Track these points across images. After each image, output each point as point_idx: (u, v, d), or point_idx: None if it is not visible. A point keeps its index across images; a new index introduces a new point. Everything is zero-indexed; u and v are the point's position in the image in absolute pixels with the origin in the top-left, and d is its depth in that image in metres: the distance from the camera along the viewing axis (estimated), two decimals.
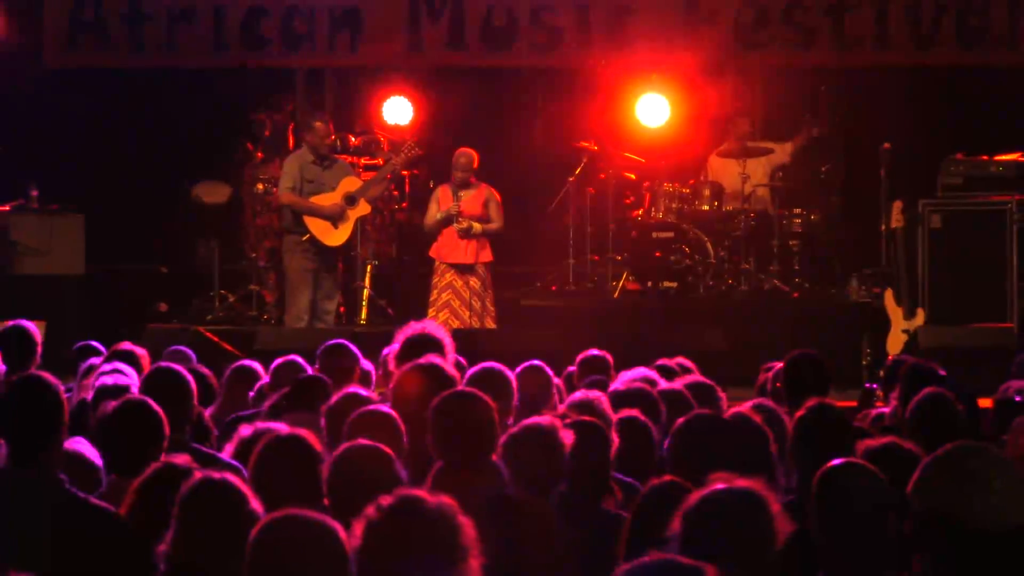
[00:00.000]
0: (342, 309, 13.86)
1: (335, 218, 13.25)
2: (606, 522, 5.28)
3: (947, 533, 3.40)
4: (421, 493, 3.74)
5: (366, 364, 8.07)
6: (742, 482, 3.91)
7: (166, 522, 4.36)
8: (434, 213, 13.22)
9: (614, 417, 6.17)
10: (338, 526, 3.71)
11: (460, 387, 5.87)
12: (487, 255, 13.14)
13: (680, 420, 5.68)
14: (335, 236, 13.28)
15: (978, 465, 3.48)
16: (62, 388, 5.10)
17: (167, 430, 5.52)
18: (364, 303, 14.18)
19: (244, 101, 15.42)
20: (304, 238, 13.24)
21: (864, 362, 12.99)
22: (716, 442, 5.46)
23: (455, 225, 13.04)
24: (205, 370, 7.81)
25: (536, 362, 7.76)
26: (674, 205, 14.46)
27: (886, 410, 7.60)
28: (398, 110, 15.34)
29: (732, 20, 15.25)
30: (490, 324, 13.09)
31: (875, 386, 9.05)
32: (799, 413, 5.76)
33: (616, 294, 14.34)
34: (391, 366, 6.86)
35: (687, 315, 13.63)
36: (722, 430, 5.59)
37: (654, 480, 4.90)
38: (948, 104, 15.00)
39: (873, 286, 13.76)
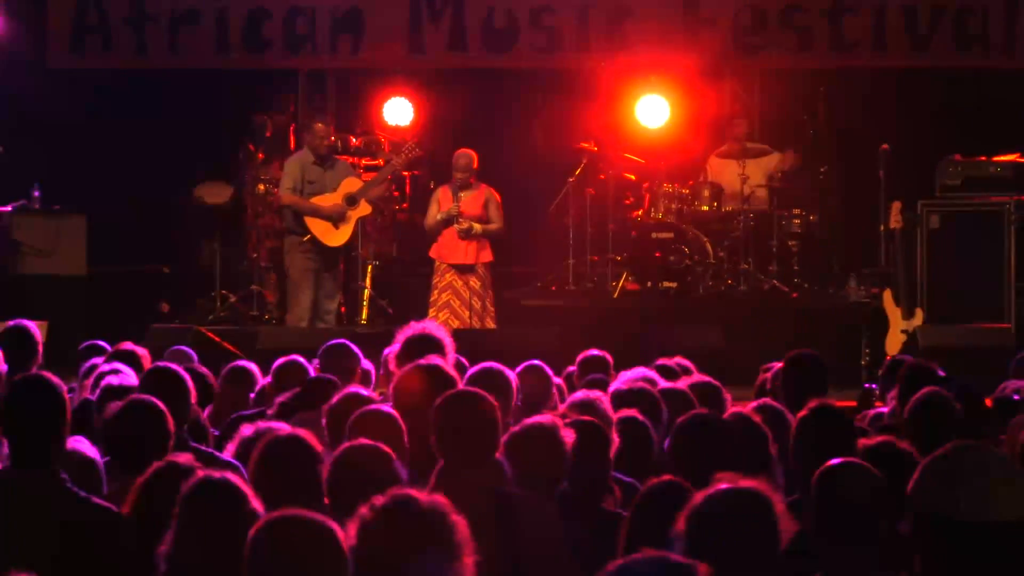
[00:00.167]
0: (343, 309, 13.89)
1: (336, 218, 13.30)
2: (606, 521, 5.29)
3: (945, 532, 3.40)
4: (414, 492, 3.75)
5: (367, 364, 8.09)
6: (747, 482, 3.91)
7: (169, 521, 4.37)
8: (434, 214, 13.26)
9: (615, 417, 6.20)
10: (336, 526, 3.70)
11: (461, 387, 5.88)
12: (487, 255, 13.18)
13: (680, 420, 5.71)
14: (336, 236, 13.33)
15: (975, 463, 3.47)
16: (64, 388, 5.10)
17: (172, 429, 5.53)
18: (365, 303, 14.21)
19: (246, 102, 15.47)
20: (305, 238, 13.29)
21: (863, 362, 13.02)
22: (715, 442, 5.48)
23: (455, 226, 13.08)
24: (204, 370, 7.80)
25: (536, 362, 7.78)
26: (673, 206, 14.49)
27: (885, 410, 7.61)
28: (399, 111, 15.38)
29: (731, 22, 15.27)
30: (490, 324, 13.13)
31: (874, 386, 9.06)
32: (801, 414, 5.77)
33: (616, 294, 14.36)
34: (392, 366, 6.87)
35: (686, 315, 13.64)
36: (721, 430, 5.60)
37: (653, 480, 4.91)
38: (946, 105, 15.00)
39: (872, 286, 13.78)
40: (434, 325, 7.01)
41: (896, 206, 13.21)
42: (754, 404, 6.73)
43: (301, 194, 13.32)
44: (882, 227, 13.71)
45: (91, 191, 14.61)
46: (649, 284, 14.34)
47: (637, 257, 14.40)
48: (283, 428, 5.30)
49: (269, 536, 3.70)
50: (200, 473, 4.48)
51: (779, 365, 7.90)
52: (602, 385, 7.34)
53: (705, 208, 14.55)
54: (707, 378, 7.38)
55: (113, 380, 6.78)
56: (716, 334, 12.46)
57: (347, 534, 3.68)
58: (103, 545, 4.82)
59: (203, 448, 6.27)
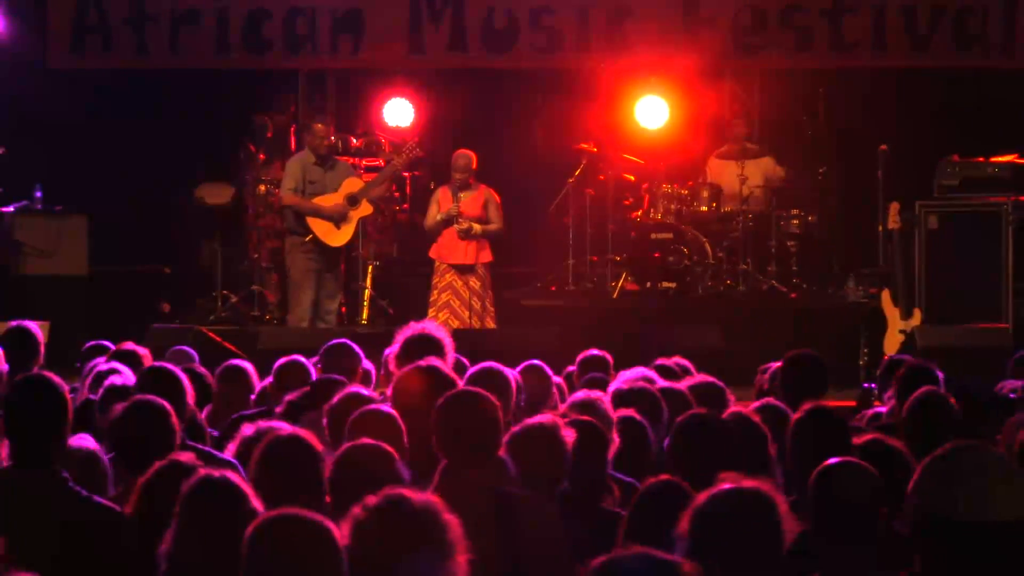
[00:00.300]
0: (343, 309, 13.91)
1: (337, 219, 13.33)
2: (605, 521, 5.30)
3: (944, 532, 3.39)
4: (407, 491, 3.76)
5: (367, 364, 8.11)
6: (750, 482, 3.92)
7: (171, 519, 4.40)
8: (434, 214, 13.29)
9: (615, 416, 6.21)
10: (333, 525, 3.71)
11: (461, 387, 5.90)
12: (487, 255, 13.21)
13: (679, 420, 5.73)
14: (338, 236, 13.37)
15: (974, 463, 3.45)
16: (66, 388, 5.12)
17: (177, 429, 5.55)
18: (365, 303, 14.23)
19: (246, 103, 15.49)
20: (307, 239, 13.32)
21: (861, 362, 13.04)
22: (714, 442, 5.49)
23: (456, 226, 13.11)
24: (202, 370, 7.80)
25: (536, 362, 7.82)
26: (673, 206, 14.51)
27: (883, 409, 7.63)
28: (399, 112, 15.40)
29: (730, 23, 15.27)
30: (490, 324, 13.15)
31: (873, 386, 9.08)
32: (796, 416, 5.79)
33: (615, 294, 14.39)
34: (392, 366, 6.89)
35: (686, 315, 13.65)
36: (721, 430, 5.61)
37: (651, 479, 4.93)
38: (944, 106, 15.01)
39: (870, 286, 13.80)
40: (433, 325, 7.00)
41: (894, 207, 13.23)
42: (761, 404, 6.74)
43: (303, 194, 13.35)
44: (880, 227, 13.73)
45: (92, 191, 14.61)
46: (648, 284, 14.37)
47: (636, 257, 14.42)
48: (284, 427, 5.30)
49: (265, 535, 3.70)
50: (202, 471, 4.49)
51: (775, 365, 7.94)
52: (601, 384, 7.35)
53: (704, 209, 14.57)
54: (711, 379, 7.38)
55: (116, 380, 6.80)
56: (715, 334, 12.48)
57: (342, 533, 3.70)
58: (104, 545, 4.84)
59: (201, 447, 6.28)
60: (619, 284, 14.43)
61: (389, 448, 5.12)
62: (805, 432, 5.67)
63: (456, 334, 7.41)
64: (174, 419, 5.55)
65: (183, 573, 4.35)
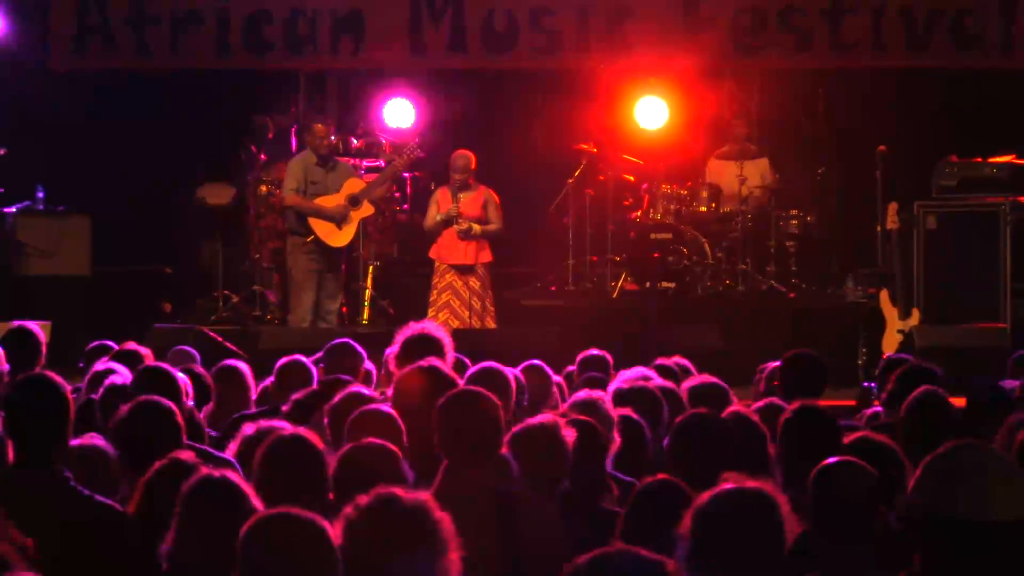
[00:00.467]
0: (344, 309, 13.93)
1: (339, 219, 13.36)
2: (605, 520, 5.29)
3: (944, 531, 3.40)
4: (398, 490, 3.77)
5: (367, 364, 8.12)
6: (752, 482, 3.93)
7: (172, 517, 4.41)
8: (433, 215, 13.31)
9: (615, 416, 6.23)
10: (328, 525, 3.71)
11: (462, 386, 5.91)
12: (486, 256, 13.23)
13: (678, 419, 5.76)
14: (339, 237, 13.39)
15: (974, 462, 3.47)
16: (68, 388, 5.13)
17: (183, 429, 5.56)
18: (366, 303, 14.24)
19: (246, 103, 15.50)
20: (308, 239, 13.34)
21: (860, 362, 13.06)
22: (714, 441, 5.51)
23: (455, 226, 13.14)
24: (201, 370, 7.81)
25: (536, 361, 7.84)
26: (672, 207, 14.53)
27: (882, 409, 7.66)
28: (399, 112, 15.42)
29: (730, 24, 15.25)
30: (490, 324, 13.16)
31: (873, 385, 9.10)
32: (783, 415, 5.81)
33: (615, 294, 14.41)
34: (392, 366, 6.89)
35: (685, 315, 13.66)
36: (720, 430, 5.63)
37: (647, 478, 4.95)
38: (943, 107, 15.03)
39: (869, 287, 13.82)
40: (433, 325, 6.97)
41: (893, 207, 13.24)
42: (764, 404, 6.74)
43: (304, 195, 13.38)
44: (879, 228, 13.74)
45: (93, 192, 14.62)
46: (648, 284, 14.38)
47: (636, 257, 14.44)
48: (286, 427, 5.31)
49: (260, 534, 3.71)
50: (204, 470, 4.51)
51: (772, 365, 7.96)
52: (600, 383, 7.35)
53: (703, 209, 14.60)
54: (714, 379, 7.36)
55: (117, 380, 6.81)
56: (714, 334, 12.51)
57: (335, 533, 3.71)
58: (106, 544, 4.85)
59: (199, 446, 6.29)
60: (619, 284, 14.45)
61: (393, 447, 5.13)
62: (792, 431, 5.69)
63: (456, 334, 7.41)
64: (179, 418, 5.56)
65: (184, 572, 4.36)
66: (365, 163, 14.75)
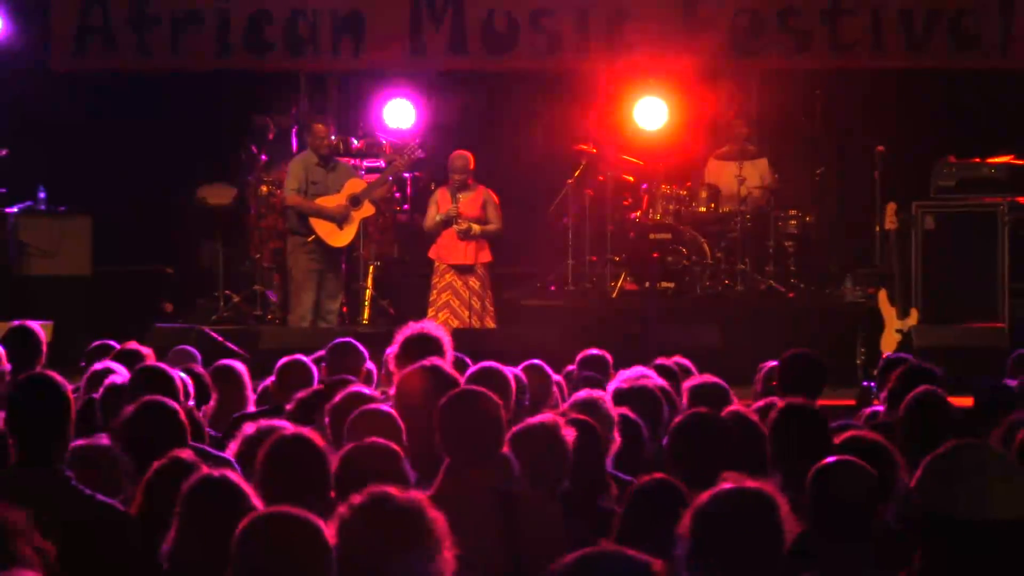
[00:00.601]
0: (344, 309, 13.95)
1: (340, 219, 13.38)
2: (605, 519, 5.31)
3: (944, 530, 3.42)
4: (391, 489, 3.77)
5: (368, 364, 8.14)
6: (751, 482, 3.94)
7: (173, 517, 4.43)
8: (433, 215, 13.33)
9: (615, 416, 6.24)
10: (323, 524, 3.71)
11: (463, 386, 5.93)
12: (486, 256, 13.25)
13: (677, 419, 5.76)
14: (340, 237, 13.42)
15: (974, 461, 3.49)
16: (69, 387, 5.14)
17: (187, 429, 5.57)
18: (366, 303, 14.25)
19: (247, 104, 15.51)
20: (310, 239, 13.37)
21: (858, 361, 13.08)
22: (713, 441, 5.53)
23: (455, 227, 13.16)
24: (200, 370, 7.80)
25: (536, 361, 7.84)
26: (671, 207, 14.54)
27: (881, 408, 7.66)
28: (400, 113, 15.44)
29: (729, 25, 15.27)
30: (490, 324, 13.19)
31: (873, 384, 9.11)
32: (772, 414, 5.82)
33: (614, 294, 14.41)
34: (391, 366, 6.91)
35: (684, 315, 13.66)
36: (720, 429, 5.64)
37: (644, 478, 4.96)
38: (941, 107, 15.05)
39: (867, 286, 13.84)
40: (432, 325, 6.96)
41: (891, 207, 13.27)
42: (765, 403, 6.75)
43: (305, 195, 13.40)
44: (878, 228, 13.77)
45: (94, 192, 14.62)
46: (647, 284, 14.39)
47: (635, 258, 14.45)
48: (288, 427, 5.33)
49: (255, 533, 3.70)
50: (205, 469, 4.53)
51: (770, 364, 7.97)
52: (600, 383, 7.36)
53: (702, 209, 14.60)
54: (715, 378, 7.36)
55: (116, 379, 6.83)
56: (713, 334, 12.51)
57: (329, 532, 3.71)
58: (107, 543, 4.86)
59: (199, 446, 6.30)
60: (618, 284, 14.46)
61: (395, 447, 5.15)
62: (781, 429, 5.70)
63: (456, 334, 7.40)
64: (183, 417, 5.57)
65: (184, 572, 4.38)
66: (365, 163, 14.76)
